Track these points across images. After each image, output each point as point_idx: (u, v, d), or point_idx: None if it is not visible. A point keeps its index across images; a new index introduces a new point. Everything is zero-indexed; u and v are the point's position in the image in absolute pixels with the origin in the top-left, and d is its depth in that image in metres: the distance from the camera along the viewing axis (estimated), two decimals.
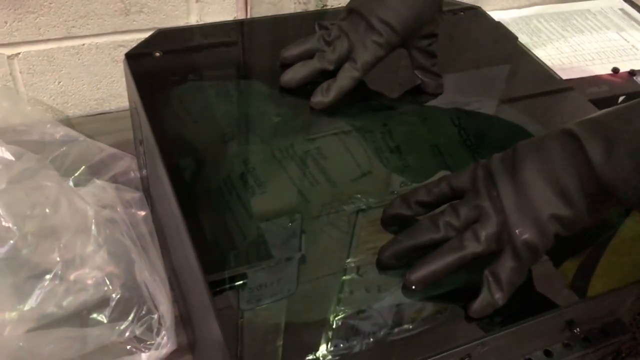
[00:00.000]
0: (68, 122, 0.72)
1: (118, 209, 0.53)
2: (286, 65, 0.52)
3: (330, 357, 0.34)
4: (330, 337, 0.36)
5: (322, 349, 0.35)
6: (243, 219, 0.41)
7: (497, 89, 0.57)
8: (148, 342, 0.42)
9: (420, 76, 0.53)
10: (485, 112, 0.53)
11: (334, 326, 0.36)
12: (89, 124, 0.71)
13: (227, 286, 0.37)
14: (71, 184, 0.60)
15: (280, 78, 0.51)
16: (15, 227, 0.42)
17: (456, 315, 0.38)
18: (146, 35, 0.69)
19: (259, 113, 0.49)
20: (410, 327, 0.36)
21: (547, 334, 0.41)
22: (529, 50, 0.65)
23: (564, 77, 0.76)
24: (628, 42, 0.86)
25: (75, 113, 0.72)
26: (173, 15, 0.69)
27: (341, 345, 0.35)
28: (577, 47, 0.83)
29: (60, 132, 0.66)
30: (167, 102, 0.49)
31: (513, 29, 0.85)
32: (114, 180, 0.63)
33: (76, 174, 0.62)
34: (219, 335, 0.34)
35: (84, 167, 0.63)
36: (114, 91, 0.72)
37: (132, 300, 0.43)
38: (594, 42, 0.84)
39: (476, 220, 0.38)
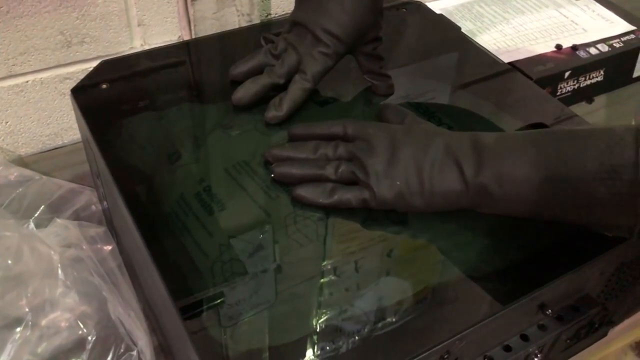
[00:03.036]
0: (21, 161, 0.70)
1: (83, 247, 0.52)
2: (236, 82, 0.52)
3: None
4: (316, 341, 0.36)
5: (309, 354, 0.35)
6: (207, 239, 0.41)
7: (445, 79, 0.58)
8: None
9: (370, 80, 0.53)
10: (436, 102, 0.54)
11: (317, 330, 0.37)
12: (43, 161, 0.70)
13: (199, 309, 0.37)
14: (32, 225, 0.59)
15: (232, 97, 0.51)
16: None
17: (430, 314, 0.38)
18: (91, 65, 0.68)
19: (212, 132, 0.49)
20: (385, 327, 0.37)
21: (522, 320, 0.42)
22: (472, 39, 0.66)
23: (511, 59, 0.78)
24: (567, 17, 0.88)
25: (28, 151, 0.71)
26: (116, 41, 0.68)
27: (327, 347, 0.35)
28: (519, 28, 0.85)
29: (14, 172, 0.65)
30: (118, 132, 0.49)
31: (456, 17, 0.86)
32: (75, 216, 0.62)
33: (36, 215, 0.61)
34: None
35: (43, 206, 0.62)
36: (65, 124, 0.71)
37: (109, 339, 0.43)
38: (535, 22, 0.86)
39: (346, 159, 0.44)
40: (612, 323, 0.55)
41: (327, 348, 0.36)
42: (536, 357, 0.45)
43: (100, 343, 0.42)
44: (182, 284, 0.38)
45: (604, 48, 0.82)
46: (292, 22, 0.52)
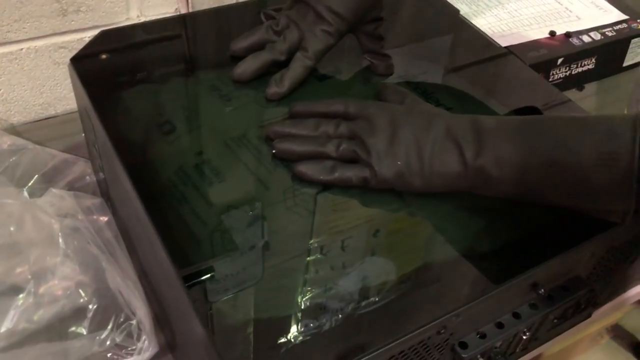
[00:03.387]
0: (13, 130, 0.70)
1: (79, 217, 0.52)
2: (236, 57, 0.52)
3: (301, 337, 0.35)
4: (300, 317, 0.37)
5: (293, 330, 0.36)
6: (207, 210, 0.41)
7: (442, 60, 0.58)
8: (129, 348, 0.42)
9: (369, 59, 0.54)
10: (432, 83, 0.54)
11: (303, 307, 0.37)
12: (35, 130, 0.69)
13: (200, 279, 0.38)
14: (25, 194, 0.59)
15: (233, 72, 0.51)
16: None
17: (430, 289, 0.39)
18: (86, 34, 0.68)
19: (212, 105, 0.49)
20: (379, 301, 0.38)
21: (515, 298, 0.43)
22: (470, 21, 0.66)
23: (505, 43, 0.78)
24: (561, 4, 0.89)
25: (20, 120, 0.70)
26: (112, 11, 0.67)
27: (311, 325, 0.36)
28: (514, 13, 0.86)
29: (7, 141, 0.64)
30: (118, 102, 0.49)
31: (453, 0, 0.87)
32: (70, 186, 0.61)
33: (29, 184, 0.61)
34: (199, 328, 0.35)
35: (36, 176, 0.62)
36: (58, 94, 0.70)
37: (109, 309, 0.43)
38: (530, 7, 0.87)
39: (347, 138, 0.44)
40: (597, 304, 0.57)
41: (311, 325, 0.36)
42: (524, 335, 0.47)
43: (100, 312, 0.43)
44: (183, 253, 0.39)
45: (596, 36, 0.83)
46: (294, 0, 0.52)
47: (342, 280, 0.39)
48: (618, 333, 1.42)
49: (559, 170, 0.38)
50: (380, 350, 0.35)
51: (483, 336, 0.42)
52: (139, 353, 0.42)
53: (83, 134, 0.70)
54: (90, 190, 0.61)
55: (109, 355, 0.42)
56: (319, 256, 0.40)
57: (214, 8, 0.66)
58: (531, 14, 0.86)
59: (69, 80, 0.70)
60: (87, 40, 0.68)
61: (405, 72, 0.55)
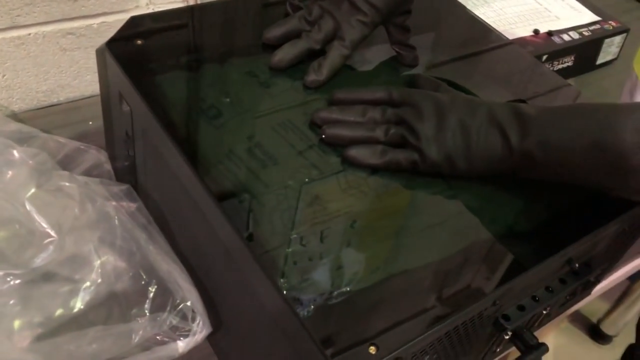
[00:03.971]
0: (15, 117, 0.68)
1: (113, 203, 0.52)
2: (268, 46, 0.53)
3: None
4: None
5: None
6: (263, 191, 0.42)
7: (458, 53, 0.61)
8: (185, 330, 0.43)
9: (397, 50, 0.56)
10: (452, 75, 0.57)
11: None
12: (37, 119, 0.68)
13: (268, 250, 0.39)
14: (79, 178, 0.57)
15: (270, 59, 0.52)
16: (53, 232, 0.40)
17: (478, 266, 0.42)
18: (95, 21, 0.67)
19: (252, 91, 0.50)
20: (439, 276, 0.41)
21: (551, 273, 0.46)
22: (475, 14, 0.70)
23: None
24: (541, 4, 0.94)
25: (22, 107, 0.68)
26: None
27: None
28: (500, 11, 0.90)
29: (14, 128, 0.62)
30: (157, 86, 0.48)
31: None
32: (86, 174, 0.60)
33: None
34: (275, 299, 0.36)
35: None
36: (63, 81, 0.69)
37: (165, 291, 0.44)
38: (513, 7, 0.91)
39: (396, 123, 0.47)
40: (597, 282, 0.62)
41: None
42: (545, 310, 0.50)
43: (159, 294, 0.43)
44: (246, 228, 0.40)
45: (575, 35, 0.89)
46: None
47: (408, 257, 0.41)
48: (576, 317, 1.51)
49: (601, 152, 0.41)
50: (450, 319, 0.38)
51: (522, 308, 0.45)
52: (194, 335, 0.43)
53: (90, 122, 0.69)
54: (107, 178, 0.60)
55: (165, 338, 0.42)
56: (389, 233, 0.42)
57: None
58: (515, 12, 0.90)
59: (74, 68, 0.69)
60: (95, 27, 0.67)
61: (426, 64, 0.57)
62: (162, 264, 0.46)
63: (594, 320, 1.49)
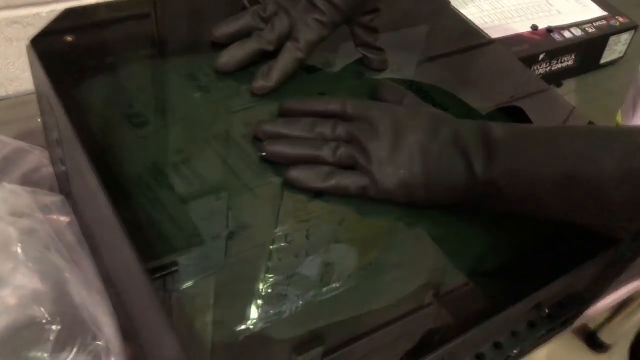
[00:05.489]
0: None
1: (38, 216, 0.47)
2: (218, 44, 0.47)
3: (261, 324, 0.33)
4: (260, 304, 0.35)
5: (253, 317, 0.34)
6: (184, 215, 0.37)
7: (434, 53, 0.55)
8: None
9: (363, 52, 0.50)
10: (426, 78, 0.51)
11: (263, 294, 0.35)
12: None
13: (163, 272, 0.34)
14: None
15: (216, 61, 0.46)
16: None
17: (433, 315, 0.37)
18: (43, 9, 0.61)
19: (190, 96, 0.44)
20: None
21: (516, 319, 0.41)
22: (456, 9, 0.64)
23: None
24: None
25: None
26: None
27: (271, 311, 0.34)
28: (496, 4, 0.83)
29: None
30: (83, 89, 0.43)
31: None
32: (24, 179, 0.55)
33: None
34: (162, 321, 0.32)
35: None
36: (11, 74, 0.64)
37: (73, 326, 0.39)
38: None
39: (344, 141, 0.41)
40: (577, 317, 0.56)
41: (271, 312, 0.34)
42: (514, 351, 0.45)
43: (64, 331, 0.38)
44: (152, 253, 0.35)
45: (577, 32, 0.82)
46: None
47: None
48: None
49: (577, 186, 0.35)
50: None
51: (480, 357, 0.40)
52: None
53: (39, 119, 0.64)
54: (48, 183, 0.55)
55: None
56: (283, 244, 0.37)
57: None
58: (513, 5, 0.83)
59: (23, 59, 0.64)
60: (43, 15, 0.62)
61: (398, 66, 0.51)
62: (80, 291, 0.41)
63: (592, 327, 1.44)
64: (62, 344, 0.37)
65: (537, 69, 0.79)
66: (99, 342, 0.38)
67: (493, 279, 0.39)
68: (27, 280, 0.42)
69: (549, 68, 0.81)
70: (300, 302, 0.35)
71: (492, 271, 0.39)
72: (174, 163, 0.39)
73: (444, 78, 0.52)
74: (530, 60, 0.77)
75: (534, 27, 0.81)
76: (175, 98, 0.44)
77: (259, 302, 0.34)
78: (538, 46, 0.78)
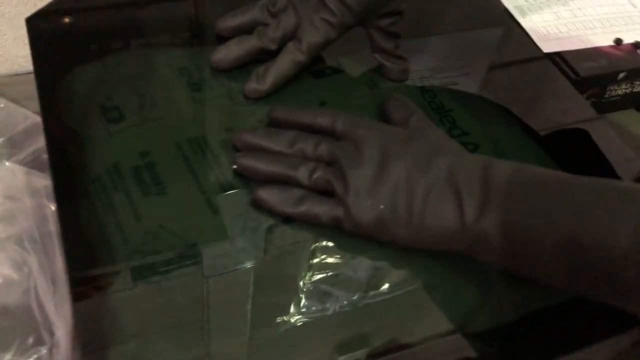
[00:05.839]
0: None
1: (25, 201, 0.45)
2: (222, 37, 0.44)
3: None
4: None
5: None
6: (131, 225, 0.34)
7: (468, 59, 0.49)
8: None
9: (380, 59, 0.44)
10: (452, 95, 0.45)
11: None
12: (15, 85, 0.63)
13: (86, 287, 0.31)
14: None
15: (211, 57, 0.42)
16: None
17: None
18: None
19: (175, 93, 0.41)
20: None
21: None
22: (515, 17, 0.56)
23: (559, 48, 0.67)
24: (636, 7, 0.76)
25: (1, 72, 0.64)
26: None
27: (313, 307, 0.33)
28: (577, 12, 0.74)
29: None
30: (67, 74, 0.41)
31: None
32: (35, 155, 0.55)
33: None
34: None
35: (2, 139, 0.56)
36: None
37: (15, 328, 0.37)
38: (597, 7, 0.74)
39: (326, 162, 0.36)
40: None
41: None
42: None
43: (16, 327, 0.36)
44: (85, 260, 0.32)
45: None
46: None
47: None
48: None
49: (582, 253, 0.29)
50: None
51: None
52: None
53: None
54: None
55: None
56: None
57: None
58: (597, 15, 0.73)
59: None
60: None
61: (422, 77, 0.45)
62: (40, 287, 0.39)
63: None
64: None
65: (615, 89, 0.69)
66: (40, 347, 0.36)
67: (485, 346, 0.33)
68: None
69: (629, 89, 0.71)
70: (345, 302, 0.33)
71: (484, 337, 0.33)
72: (135, 166, 0.36)
73: (474, 95, 0.45)
74: (606, 79, 0.68)
75: (618, 41, 0.71)
76: (159, 94, 0.40)
77: (301, 296, 0.33)
78: (619, 63, 0.68)
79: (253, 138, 0.37)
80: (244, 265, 0.33)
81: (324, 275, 0.34)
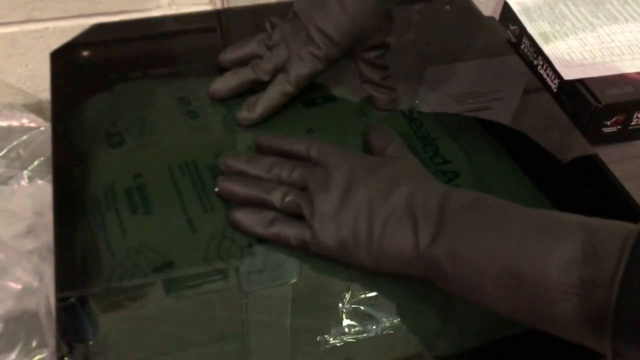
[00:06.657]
0: (40, 106, 0.70)
1: (49, 216, 0.50)
2: (223, 69, 0.47)
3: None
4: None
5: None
6: (117, 241, 0.37)
7: (461, 94, 0.50)
8: None
9: (369, 90, 0.46)
10: (439, 124, 0.46)
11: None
12: None
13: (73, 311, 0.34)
14: (25, 177, 0.58)
15: (209, 87, 0.46)
16: None
17: None
18: (113, 19, 0.65)
19: (173, 120, 0.44)
20: None
21: None
22: (512, 49, 0.57)
23: (582, 75, 0.66)
24: None
25: (47, 97, 0.70)
26: None
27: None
28: (605, 38, 0.73)
29: (24, 119, 0.64)
30: (81, 103, 0.46)
31: (534, 15, 0.75)
32: None
33: (30, 167, 0.60)
34: None
35: (41, 158, 0.61)
36: None
37: (19, 330, 0.41)
38: (627, 33, 0.73)
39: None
40: None
41: None
42: None
43: (7, 332, 0.40)
44: (73, 274, 0.36)
45: None
46: (294, 12, 0.45)
47: None
48: None
49: (517, 286, 0.29)
50: None
51: None
52: None
53: None
54: None
55: None
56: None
57: (248, 6, 0.61)
58: (626, 41, 0.72)
59: None
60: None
61: (411, 105, 0.47)
62: (46, 294, 0.43)
63: None
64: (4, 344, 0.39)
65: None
66: (42, 350, 0.40)
67: None
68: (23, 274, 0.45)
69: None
70: (388, 325, 0.34)
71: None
72: (128, 188, 0.40)
73: (463, 125, 0.46)
74: (631, 107, 0.66)
75: None
76: (159, 121, 0.44)
77: (342, 316, 0.35)
78: None
79: (234, 162, 0.40)
80: (283, 282, 0.35)
81: (363, 295, 0.36)
